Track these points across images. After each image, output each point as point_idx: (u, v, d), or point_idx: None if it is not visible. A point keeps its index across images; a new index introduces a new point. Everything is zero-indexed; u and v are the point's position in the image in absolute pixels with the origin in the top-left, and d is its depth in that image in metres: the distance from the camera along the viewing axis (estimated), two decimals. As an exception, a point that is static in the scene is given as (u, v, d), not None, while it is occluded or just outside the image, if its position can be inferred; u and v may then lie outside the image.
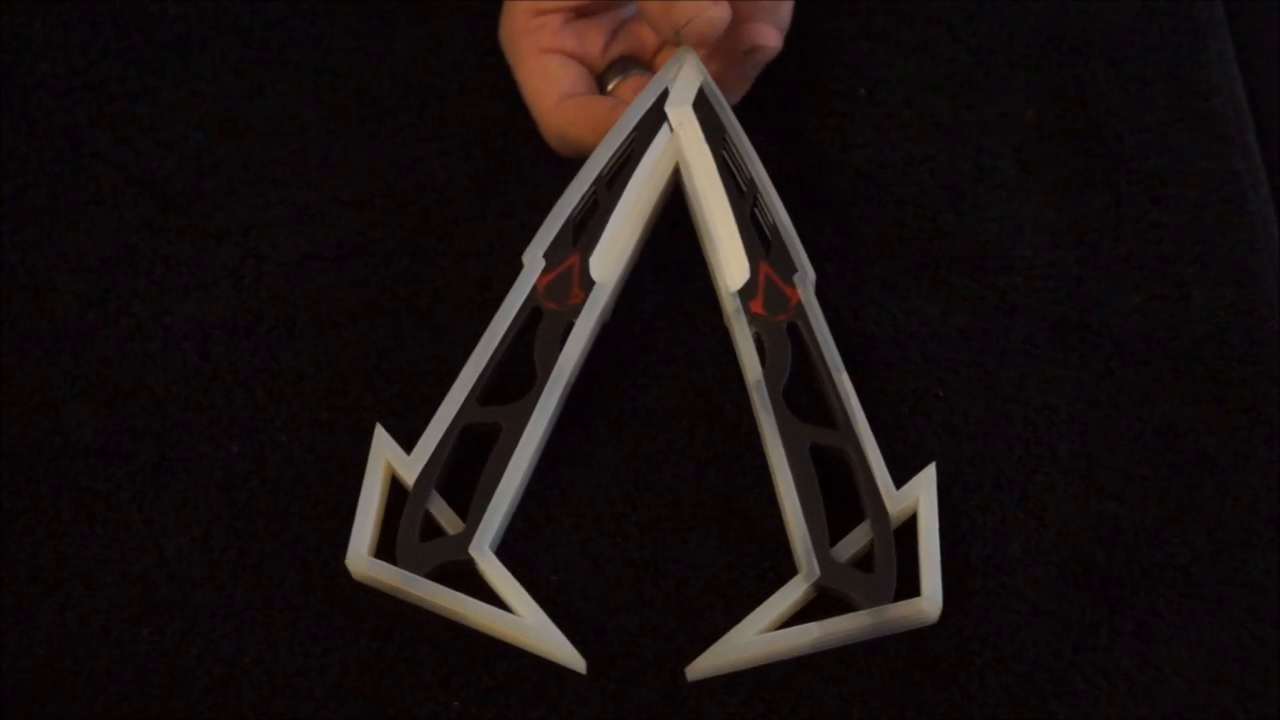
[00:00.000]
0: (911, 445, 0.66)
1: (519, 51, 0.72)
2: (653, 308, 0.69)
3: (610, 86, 0.73)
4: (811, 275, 0.66)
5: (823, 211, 0.71)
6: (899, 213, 0.72)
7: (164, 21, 0.76)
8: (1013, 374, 0.68)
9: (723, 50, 0.70)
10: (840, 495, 0.63)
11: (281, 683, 0.61)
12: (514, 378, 0.65)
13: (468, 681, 0.61)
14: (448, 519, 0.62)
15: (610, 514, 0.64)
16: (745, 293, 0.66)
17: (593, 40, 0.72)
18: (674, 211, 0.69)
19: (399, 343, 0.68)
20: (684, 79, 0.69)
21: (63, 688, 0.61)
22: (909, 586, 0.61)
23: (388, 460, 0.63)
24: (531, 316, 0.65)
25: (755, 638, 0.60)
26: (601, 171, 0.67)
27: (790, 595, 0.61)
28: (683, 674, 0.61)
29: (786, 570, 0.62)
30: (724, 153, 0.68)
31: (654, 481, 0.65)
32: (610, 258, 0.66)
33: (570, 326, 0.65)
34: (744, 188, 0.67)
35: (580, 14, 0.73)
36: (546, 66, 0.71)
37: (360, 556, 0.61)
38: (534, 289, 0.66)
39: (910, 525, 0.62)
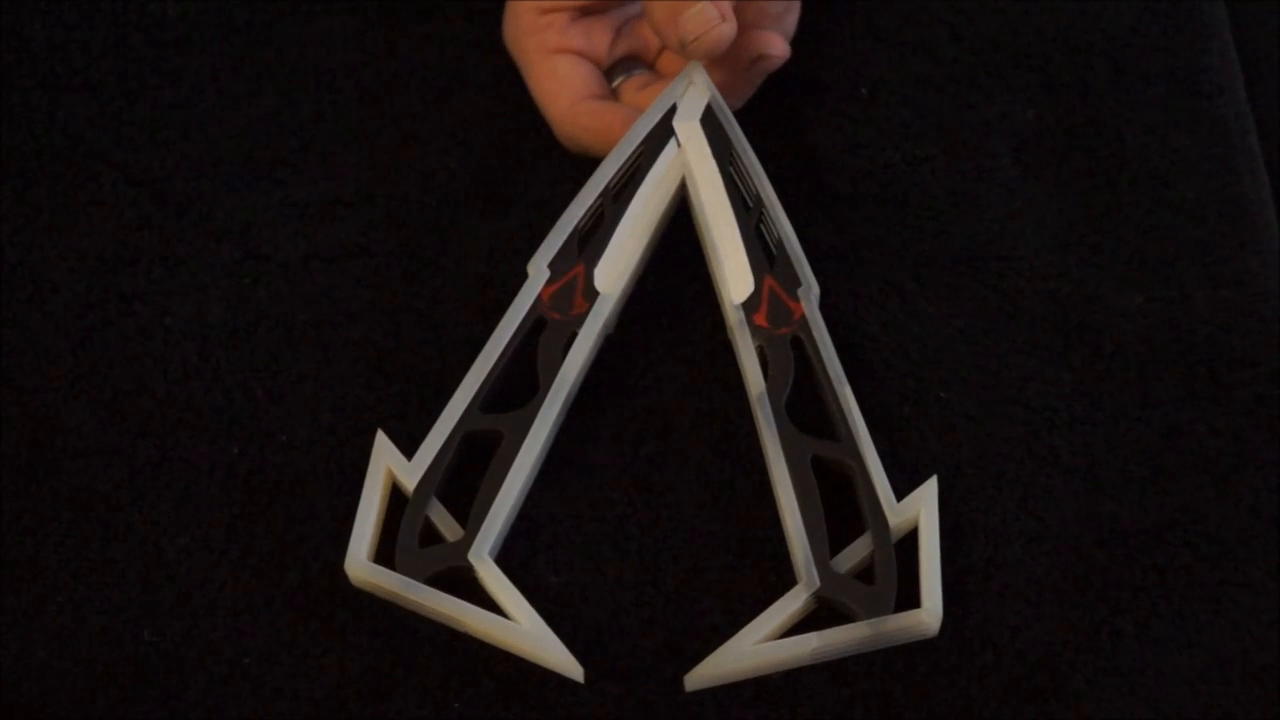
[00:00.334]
0: (913, 446, 0.66)
1: (526, 52, 0.72)
2: (656, 319, 0.69)
3: (614, 85, 0.73)
4: (816, 289, 0.66)
5: (824, 211, 0.71)
6: (900, 212, 0.72)
7: (164, 21, 0.76)
8: (1014, 375, 0.68)
9: (729, 57, 0.69)
10: (841, 507, 0.63)
11: (281, 683, 0.61)
12: (516, 386, 0.65)
13: (467, 682, 0.61)
14: (447, 525, 0.62)
15: (611, 518, 0.64)
16: (749, 305, 0.66)
17: (599, 39, 0.72)
18: (679, 225, 0.69)
19: (399, 343, 0.68)
20: (692, 94, 0.69)
21: (63, 688, 0.61)
22: (910, 599, 0.61)
23: (388, 466, 0.63)
24: (535, 326, 0.65)
25: (753, 647, 0.60)
26: (608, 184, 0.67)
27: (790, 605, 0.61)
28: (682, 679, 0.60)
29: (787, 579, 0.62)
30: (731, 169, 0.68)
31: (655, 487, 0.65)
32: (615, 270, 0.66)
33: (573, 336, 0.65)
34: (750, 203, 0.67)
35: (585, 12, 0.72)
36: (556, 68, 0.71)
37: (359, 562, 0.61)
38: (538, 299, 0.66)
39: (911, 537, 0.62)
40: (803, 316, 0.65)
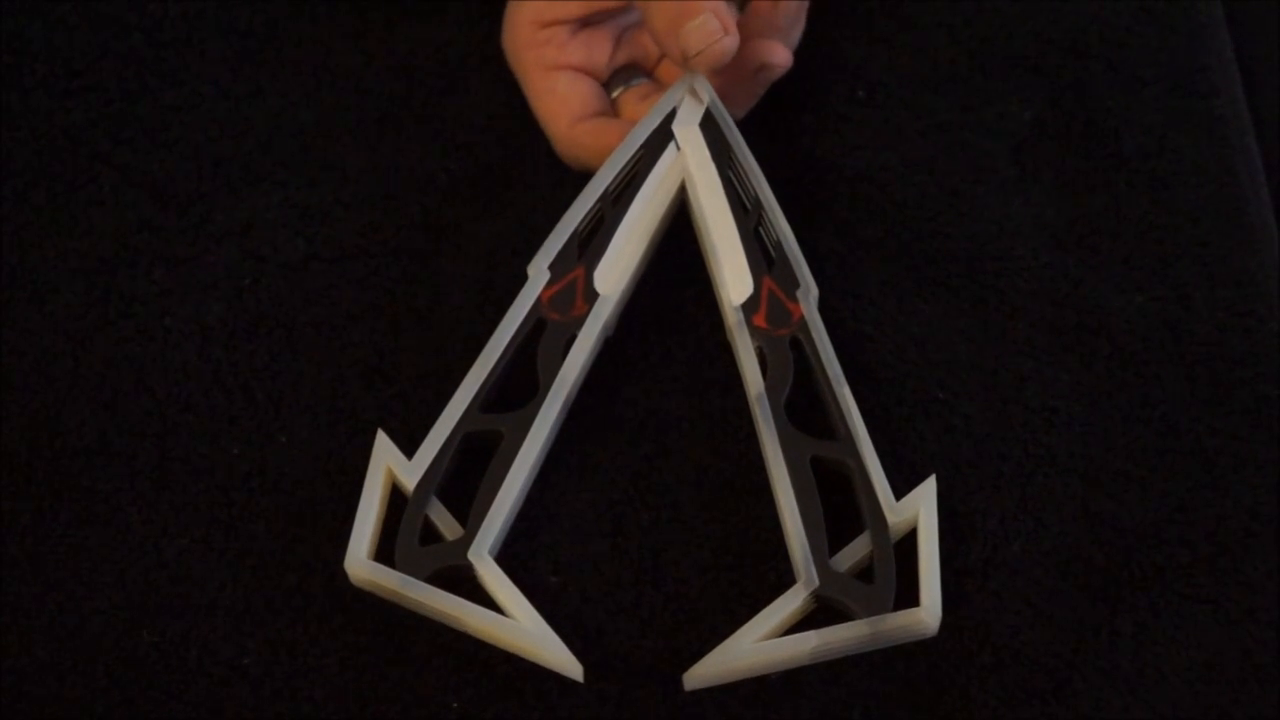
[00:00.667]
0: (911, 446, 0.66)
1: (524, 66, 0.72)
2: (656, 321, 0.69)
3: (614, 95, 0.73)
4: (814, 291, 0.66)
5: (822, 213, 0.71)
6: (898, 214, 0.72)
7: (164, 22, 0.76)
8: (1012, 375, 0.68)
9: (732, 66, 0.69)
10: (840, 507, 0.63)
11: (281, 683, 0.61)
12: (516, 387, 0.65)
13: (467, 682, 0.61)
14: (447, 525, 0.63)
15: (611, 518, 0.64)
16: (748, 307, 0.66)
17: (599, 50, 0.72)
18: (679, 227, 0.69)
19: (399, 344, 0.68)
20: (691, 99, 0.69)
21: (63, 688, 0.61)
22: (909, 598, 0.61)
23: (388, 465, 0.63)
24: (535, 327, 0.65)
25: (752, 646, 0.60)
26: (608, 188, 0.68)
27: (789, 604, 0.61)
28: (681, 678, 0.60)
29: (786, 577, 0.62)
30: (730, 172, 0.68)
31: (655, 487, 0.65)
32: (615, 272, 0.67)
33: (573, 338, 0.65)
34: (749, 206, 0.68)
35: (585, 24, 0.72)
36: (555, 86, 0.71)
37: (359, 560, 0.61)
38: (538, 300, 0.66)
39: (910, 537, 0.62)
40: (801, 318, 0.66)
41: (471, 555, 0.61)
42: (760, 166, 0.68)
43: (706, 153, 0.68)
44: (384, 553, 0.62)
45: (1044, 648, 0.62)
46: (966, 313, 0.69)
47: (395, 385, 0.67)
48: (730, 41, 0.67)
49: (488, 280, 0.69)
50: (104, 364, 0.68)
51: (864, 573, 0.62)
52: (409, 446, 0.63)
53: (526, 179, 0.72)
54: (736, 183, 0.68)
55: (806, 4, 0.72)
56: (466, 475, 0.63)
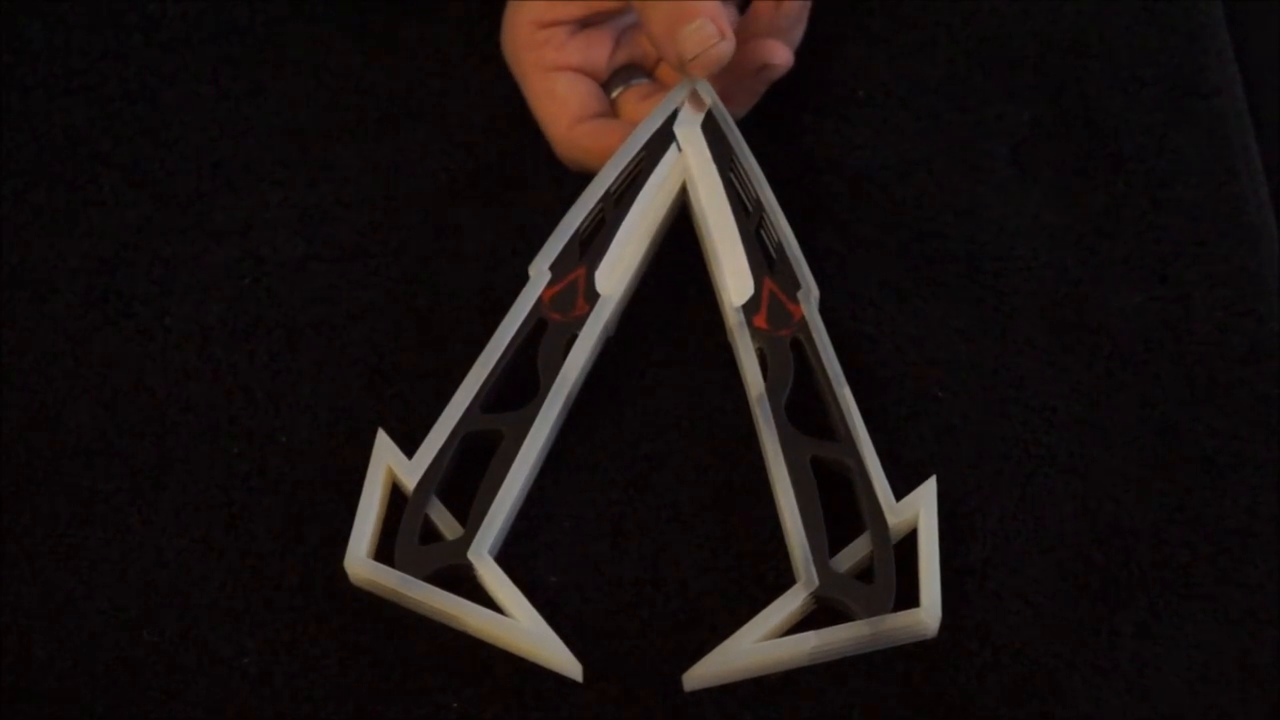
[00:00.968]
0: (911, 446, 0.66)
1: (523, 67, 0.72)
2: (657, 321, 0.69)
3: (614, 96, 0.72)
4: (815, 292, 0.66)
5: (821, 213, 0.71)
6: (897, 214, 0.72)
7: (163, 22, 0.76)
8: (1012, 375, 0.68)
9: (732, 66, 0.69)
10: (840, 508, 0.63)
11: (281, 683, 0.61)
12: (517, 387, 0.65)
13: (467, 682, 0.61)
14: (447, 524, 0.63)
15: (611, 518, 0.64)
16: (749, 308, 0.66)
17: (598, 51, 0.72)
18: (680, 228, 0.69)
19: (399, 344, 0.68)
20: (693, 100, 0.69)
21: (63, 688, 0.61)
22: (908, 599, 0.61)
23: (388, 465, 0.63)
24: (536, 328, 0.66)
25: (752, 646, 0.60)
26: (610, 188, 0.68)
27: (789, 605, 0.61)
28: (680, 678, 0.60)
29: (786, 578, 0.62)
30: (731, 174, 0.68)
31: (655, 487, 0.65)
32: (616, 272, 0.67)
33: (574, 338, 0.65)
34: (750, 207, 0.68)
35: (584, 24, 0.72)
36: (554, 87, 0.71)
37: (358, 559, 0.61)
38: (539, 300, 0.66)
39: (910, 537, 0.62)
40: (802, 318, 0.66)
41: (471, 555, 0.61)
42: (761, 166, 0.68)
43: (708, 154, 0.68)
44: (384, 552, 0.62)
45: (1043, 647, 0.62)
46: (966, 312, 0.69)
47: (395, 385, 0.67)
48: (726, 46, 0.66)
49: (488, 280, 0.69)
50: (104, 364, 0.68)
51: (864, 573, 0.62)
52: (409, 446, 0.63)
53: (527, 179, 0.72)
54: (738, 184, 0.68)
55: (809, 5, 0.72)
56: (467, 475, 0.63)
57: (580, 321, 0.66)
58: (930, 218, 0.72)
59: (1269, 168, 0.75)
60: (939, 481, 0.63)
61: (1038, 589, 0.63)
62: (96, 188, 0.72)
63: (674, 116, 0.69)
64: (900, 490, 0.63)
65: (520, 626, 0.60)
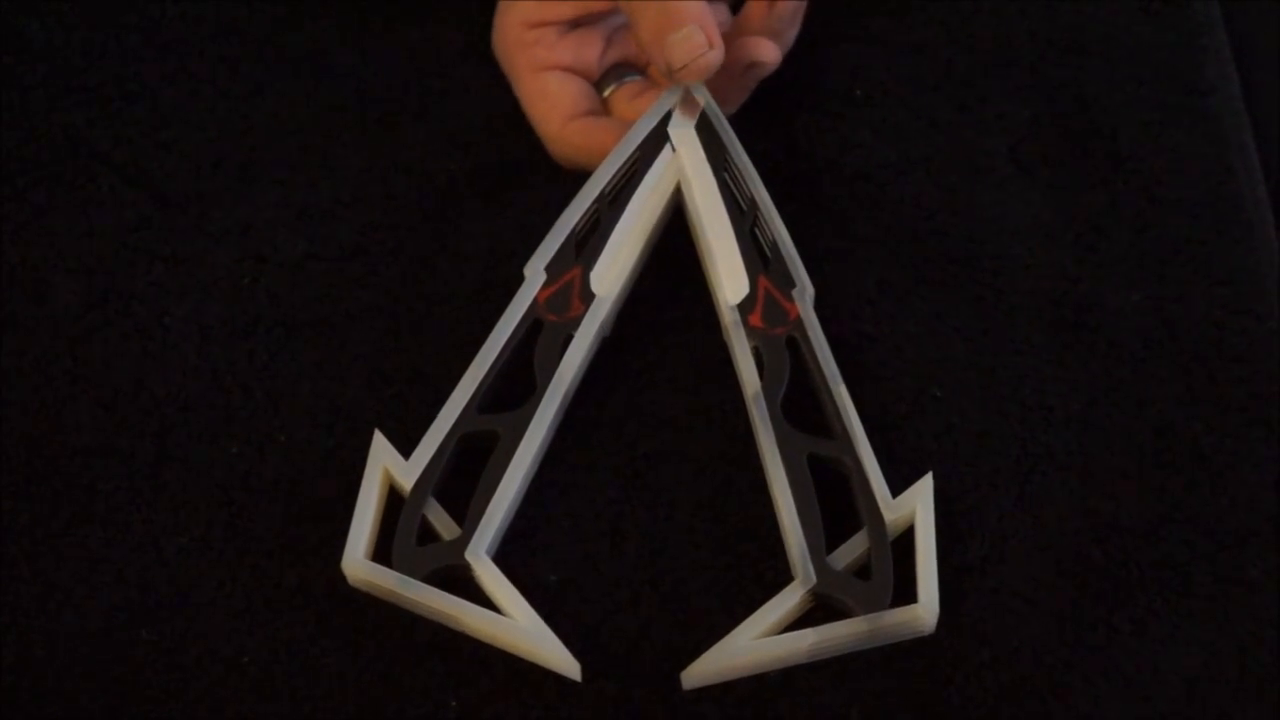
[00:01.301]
0: (908, 445, 0.66)
1: (515, 67, 0.72)
2: (653, 321, 0.69)
3: (605, 94, 0.73)
4: (810, 290, 0.66)
5: (819, 212, 0.71)
6: (895, 213, 0.72)
7: (163, 22, 0.76)
8: (1010, 373, 0.68)
9: (722, 65, 0.68)
10: (837, 505, 0.63)
11: (281, 683, 0.61)
12: (513, 387, 0.65)
13: (466, 681, 0.61)
14: (444, 525, 0.63)
15: (608, 517, 0.64)
16: (744, 306, 0.66)
17: (589, 50, 0.72)
18: (675, 228, 0.69)
19: (398, 344, 0.68)
20: (687, 101, 0.69)
21: (63, 688, 0.61)
22: (906, 595, 0.61)
23: (385, 466, 0.63)
24: (532, 328, 0.66)
25: (750, 643, 0.60)
26: (604, 189, 0.68)
27: (786, 602, 0.61)
28: (679, 676, 0.61)
29: (784, 576, 0.62)
30: (725, 174, 0.68)
31: (652, 486, 0.65)
32: (611, 272, 0.67)
33: (570, 338, 0.65)
34: (744, 207, 0.68)
35: (575, 24, 0.72)
36: (546, 87, 0.71)
37: (356, 560, 0.61)
38: (535, 301, 0.66)
39: (907, 535, 0.62)
40: (798, 317, 0.66)
41: (469, 555, 0.61)
42: (757, 165, 0.68)
43: (702, 154, 0.68)
44: (382, 553, 0.62)
45: (1041, 645, 0.62)
46: (963, 311, 0.69)
47: (394, 385, 0.67)
48: (715, 56, 0.66)
49: (486, 280, 0.69)
50: (104, 364, 0.68)
51: (861, 570, 0.62)
52: (407, 446, 0.63)
53: (525, 179, 0.72)
54: (732, 184, 0.68)
55: (803, 6, 0.71)
56: (464, 475, 0.63)
57: (576, 322, 0.66)
58: (928, 216, 0.72)
59: (1266, 166, 0.75)
60: (936, 479, 0.63)
61: (1036, 587, 0.63)
62: (96, 188, 0.72)
63: (668, 117, 0.69)
64: (897, 488, 0.63)
65: (518, 626, 0.61)
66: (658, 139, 0.69)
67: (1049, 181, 0.73)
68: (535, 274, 0.66)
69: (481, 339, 0.65)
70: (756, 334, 0.66)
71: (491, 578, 0.61)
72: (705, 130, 0.69)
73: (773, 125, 0.73)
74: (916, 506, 0.63)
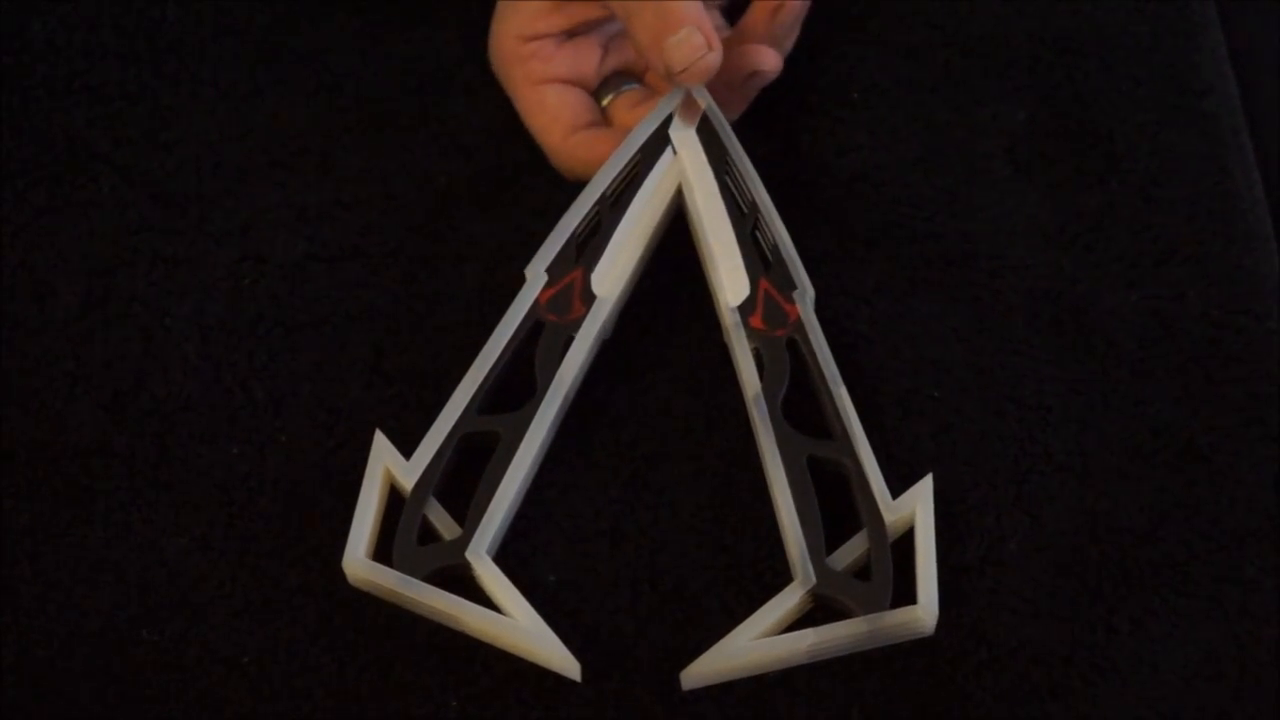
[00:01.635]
0: (906, 445, 0.66)
1: (512, 81, 0.72)
2: (653, 323, 0.69)
3: (604, 103, 0.72)
4: (811, 292, 0.66)
5: (816, 214, 0.71)
6: (892, 214, 0.72)
7: (164, 22, 0.76)
8: (1007, 374, 0.68)
9: (723, 73, 0.68)
10: (837, 506, 0.63)
11: (281, 683, 0.61)
12: (514, 388, 0.65)
13: (466, 681, 0.61)
14: (445, 525, 0.63)
15: (608, 517, 0.65)
16: (745, 308, 0.66)
17: (587, 61, 0.72)
18: (675, 230, 0.69)
19: (398, 344, 0.68)
20: (688, 104, 0.69)
21: (63, 688, 0.61)
22: (906, 596, 0.61)
23: (386, 466, 0.63)
24: (533, 329, 0.66)
25: (750, 644, 0.61)
26: (605, 191, 0.68)
27: (786, 602, 0.61)
28: (678, 676, 0.61)
29: (784, 577, 0.62)
30: (726, 176, 0.68)
31: (652, 487, 0.65)
32: (612, 274, 0.67)
33: (571, 339, 0.65)
34: (745, 209, 0.68)
35: (571, 34, 0.72)
36: (544, 100, 0.71)
37: (356, 559, 0.61)
38: (536, 302, 0.66)
39: (907, 536, 0.63)
40: (798, 318, 0.66)
41: (469, 554, 0.62)
42: (756, 168, 0.68)
43: (703, 157, 0.68)
44: (382, 552, 0.62)
45: (1041, 645, 0.62)
46: (961, 312, 0.69)
47: (394, 385, 0.67)
48: (714, 58, 0.66)
49: (486, 281, 0.69)
50: (104, 364, 0.68)
51: (861, 571, 0.62)
52: (408, 446, 0.63)
53: (525, 181, 0.72)
54: (733, 186, 0.68)
55: (804, 13, 0.71)
56: (464, 476, 0.63)
57: (577, 323, 0.66)
58: (925, 217, 0.72)
59: (1263, 166, 0.75)
60: (935, 480, 0.63)
61: (1035, 586, 0.63)
62: (96, 188, 0.72)
63: (669, 120, 0.69)
64: (897, 489, 0.63)
65: (518, 626, 0.61)
66: (659, 142, 0.69)
67: (1046, 182, 0.73)
68: (536, 275, 0.66)
69: (482, 340, 0.65)
70: (757, 335, 0.66)
71: (492, 577, 0.61)
72: (706, 133, 0.69)
73: (769, 127, 0.73)
74: (916, 507, 0.63)
